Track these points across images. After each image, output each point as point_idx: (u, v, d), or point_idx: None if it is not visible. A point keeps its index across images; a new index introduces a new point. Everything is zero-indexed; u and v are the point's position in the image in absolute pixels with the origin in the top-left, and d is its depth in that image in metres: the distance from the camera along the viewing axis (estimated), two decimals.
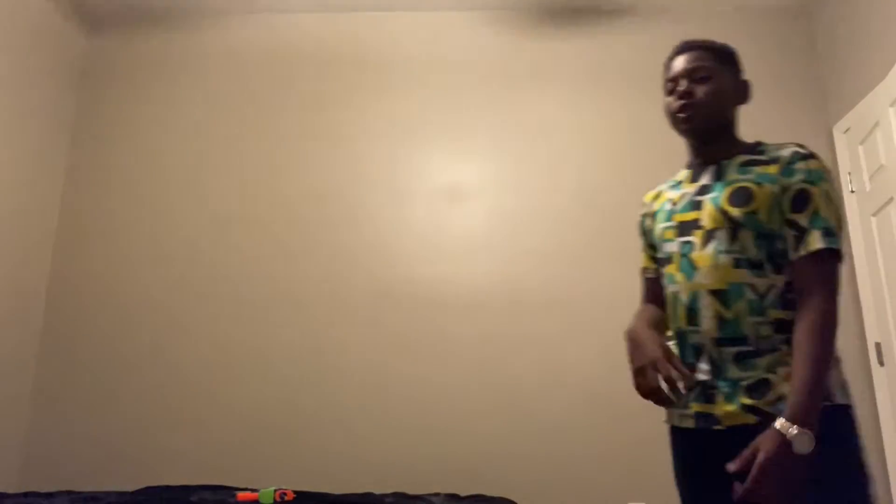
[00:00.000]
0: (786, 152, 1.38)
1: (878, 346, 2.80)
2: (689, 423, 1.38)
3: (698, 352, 1.38)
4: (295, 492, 2.33)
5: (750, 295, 1.33)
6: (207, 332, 3.09)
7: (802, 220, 1.32)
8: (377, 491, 2.68)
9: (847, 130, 3.05)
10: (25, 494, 2.45)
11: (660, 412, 2.92)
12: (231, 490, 2.49)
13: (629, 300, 3.02)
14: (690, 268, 1.40)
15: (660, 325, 1.50)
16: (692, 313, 1.39)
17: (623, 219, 3.11)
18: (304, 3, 3.45)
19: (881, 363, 2.78)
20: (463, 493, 2.57)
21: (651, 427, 2.86)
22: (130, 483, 2.78)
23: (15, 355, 2.98)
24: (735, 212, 1.36)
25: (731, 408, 1.31)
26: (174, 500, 2.26)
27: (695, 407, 1.37)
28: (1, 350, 2.90)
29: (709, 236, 1.38)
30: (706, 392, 1.35)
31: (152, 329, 3.10)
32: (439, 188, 3.23)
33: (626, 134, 3.26)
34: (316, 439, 2.94)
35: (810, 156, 1.37)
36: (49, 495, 2.41)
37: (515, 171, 3.23)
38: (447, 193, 3.22)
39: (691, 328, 1.39)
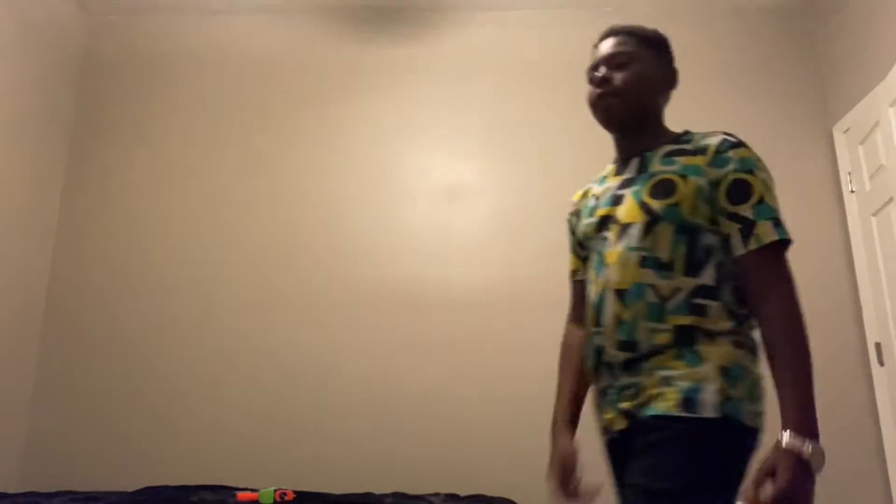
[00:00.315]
0: (713, 141, 1.28)
1: (878, 346, 2.80)
2: (603, 435, 1.36)
3: (599, 355, 1.29)
4: (295, 492, 2.34)
5: (650, 297, 1.22)
6: (208, 332, 3.09)
7: (746, 211, 1.21)
8: (377, 491, 2.68)
9: (847, 130, 3.05)
10: (25, 494, 2.46)
11: None
12: (231, 490, 2.49)
13: None
14: (601, 265, 1.30)
15: (582, 387, 1.48)
16: (598, 313, 1.29)
17: None
18: (304, 3, 3.45)
19: (881, 363, 2.78)
20: (463, 493, 2.57)
21: None
22: (130, 483, 2.78)
23: (15, 355, 2.98)
24: (656, 204, 1.25)
25: (611, 415, 1.27)
26: (174, 500, 2.26)
27: (601, 417, 1.34)
28: (1, 350, 2.89)
29: (622, 231, 1.28)
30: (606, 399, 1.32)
31: (152, 329, 3.10)
32: (439, 188, 3.23)
33: None
34: (316, 439, 2.93)
35: (740, 144, 1.27)
36: (49, 495, 2.41)
37: (515, 170, 3.23)
38: (447, 193, 3.22)
39: (596, 329, 1.30)
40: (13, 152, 3.00)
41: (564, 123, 3.28)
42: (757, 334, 1.23)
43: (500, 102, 3.34)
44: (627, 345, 1.23)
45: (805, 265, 3.02)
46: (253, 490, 2.42)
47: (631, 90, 1.36)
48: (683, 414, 1.13)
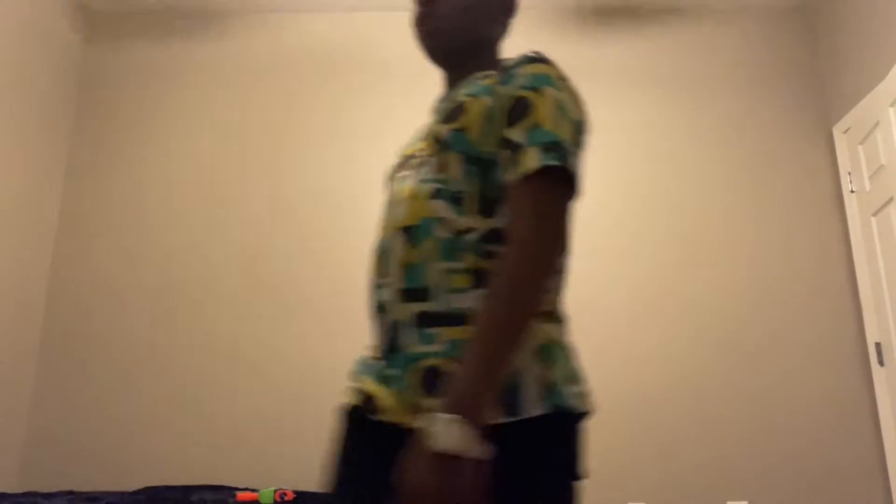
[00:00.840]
0: (512, 59, 1.06)
1: (878, 346, 2.80)
2: (353, 399, 1.05)
3: (383, 311, 1.03)
4: (295, 492, 2.34)
5: (442, 233, 0.98)
6: (208, 332, 3.09)
7: (518, 134, 0.96)
8: None
9: (847, 130, 3.05)
10: (25, 494, 2.46)
11: (664, 412, 2.94)
12: (231, 490, 2.49)
13: (627, 300, 3.02)
14: (393, 204, 1.08)
15: None
16: (383, 260, 1.05)
17: (621, 217, 3.11)
18: (305, 3, 3.45)
19: (881, 363, 2.78)
20: None
21: (651, 427, 2.86)
22: (130, 483, 2.78)
23: (15, 355, 2.98)
24: (443, 130, 1.03)
25: (391, 400, 0.96)
26: (174, 500, 2.26)
27: (364, 381, 1.03)
28: (1, 350, 2.90)
29: (420, 166, 1.06)
30: (382, 367, 1.01)
31: (152, 329, 3.10)
32: None
33: (624, 133, 3.26)
34: (316, 439, 2.94)
35: (540, 59, 1.03)
36: (49, 495, 2.41)
37: None
38: None
39: (380, 280, 1.05)
40: (13, 152, 3.00)
41: None
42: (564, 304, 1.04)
43: None
44: (419, 293, 0.98)
45: (805, 265, 3.04)
46: (253, 490, 2.42)
47: (456, 14, 1.13)
48: (506, 420, 0.88)
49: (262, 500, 2.22)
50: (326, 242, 3.18)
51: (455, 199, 0.99)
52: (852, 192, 3.01)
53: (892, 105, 2.66)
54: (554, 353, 0.96)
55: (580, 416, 0.96)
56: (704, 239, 3.08)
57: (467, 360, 0.86)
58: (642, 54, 3.35)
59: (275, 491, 2.23)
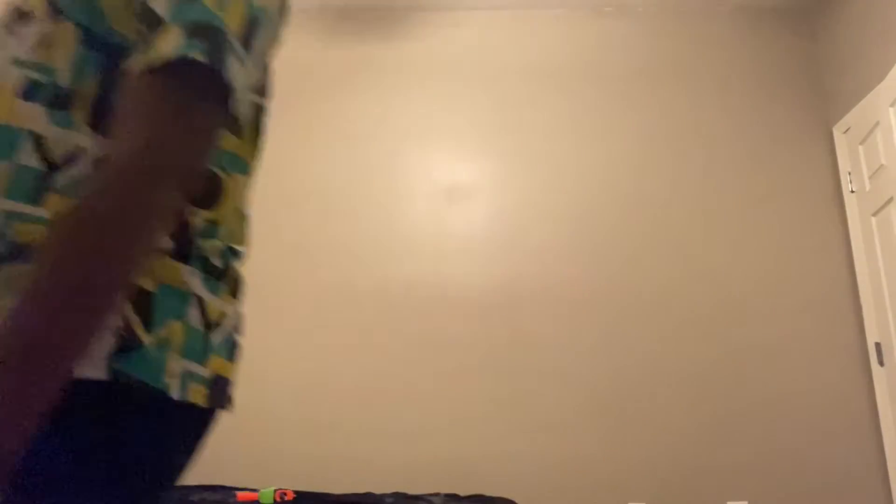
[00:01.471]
0: None
1: (878, 346, 2.80)
2: None
3: None
4: (295, 492, 2.34)
5: (27, 157, 0.64)
6: None
7: (161, 4, 0.63)
8: (377, 491, 2.68)
9: (847, 130, 3.05)
10: None
11: (665, 413, 2.94)
12: (231, 490, 2.49)
13: (630, 299, 3.02)
14: None
15: None
16: None
17: (623, 218, 3.11)
18: (303, 3, 3.45)
19: (881, 363, 2.78)
20: (463, 493, 2.57)
21: (651, 427, 2.86)
22: None
23: None
24: None
25: None
26: (174, 500, 2.26)
27: None
28: None
29: (13, 26, 0.69)
30: None
31: None
32: (439, 188, 3.23)
33: (625, 133, 3.26)
34: (316, 439, 2.94)
35: None
36: None
37: (515, 170, 3.24)
38: (447, 193, 3.22)
39: None
40: None
41: (564, 123, 3.28)
42: (237, 262, 0.74)
43: (500, 103, 3.34)
44: None
45: (805, 265, 3.04)
46: (253, 490, 2.42)
47: None
48: None
49: (262, 500, 2.22)
50: (327, 242, 3.18)
51: (59, 103, 0.65)
52: (852, 191, 3.01)
53: (892, 105, 2.66)
54: (171, 303, 0.67)
55: (173, 404, 0.66)
56: (705, 239, 3.08)
57: (20, 316, 0.55)
58: (645, 52, 3.35)
59: (275, 491, 2.23)
